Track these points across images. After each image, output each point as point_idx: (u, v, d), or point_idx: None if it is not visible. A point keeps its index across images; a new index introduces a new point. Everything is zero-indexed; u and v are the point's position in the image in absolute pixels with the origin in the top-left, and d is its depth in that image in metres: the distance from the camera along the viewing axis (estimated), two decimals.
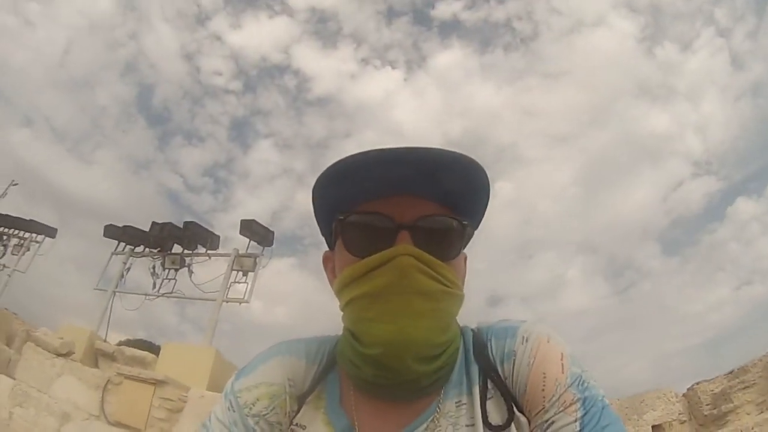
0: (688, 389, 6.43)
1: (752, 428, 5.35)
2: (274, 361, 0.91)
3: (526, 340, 0.82)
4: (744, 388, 5.84)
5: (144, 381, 7.79)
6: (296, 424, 0.87)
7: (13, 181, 17.27)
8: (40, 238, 15.29)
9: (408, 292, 0.75)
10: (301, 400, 0.88)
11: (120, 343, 12.16)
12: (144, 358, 9.20)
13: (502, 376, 0.82)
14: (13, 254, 14.99)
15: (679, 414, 6.11)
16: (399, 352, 0.75)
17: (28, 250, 15.13)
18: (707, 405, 6.04)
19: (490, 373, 0.83)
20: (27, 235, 15.27)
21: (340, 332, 0.91)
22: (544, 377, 0.78)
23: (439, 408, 0.81)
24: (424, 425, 0.80)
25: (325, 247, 0.96)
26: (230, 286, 11.12)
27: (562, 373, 0.78)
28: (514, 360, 0.81)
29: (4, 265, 14.79)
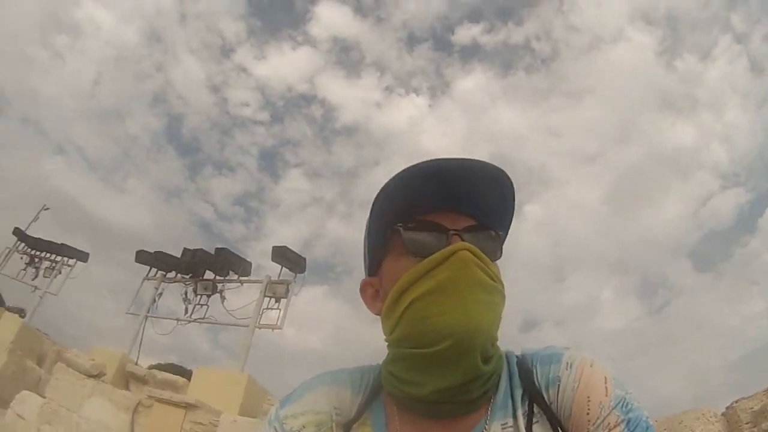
0: (727, 408, 6.21)
1: None
2: (320, 390, 0.93)
3: (571, 366, 0.84)
4: None
5: (175, 404, 7.73)
6: None
7: (44, 205, 17.40)
8: (72, 261, 15.39)
9: (471, 284, 0.79)
10: (346, 428, 0.89)
11: (151, 367, 12.10)
12: (175, 381, 9.12)
13: (547, 400, 0.84)
14: (45, 277, 15.05)
15: None
16: (470, 340, 0.78)
17: (60, 273, 15.22)
18: (747, 423, 5.80)
19: (536, 397, 0.84)
20: (59, 258, 15.40)
21: (380, 361, 0.95)
22: (589, 401, 0.80)
23: (486, 428, 0.82)
24: None
25: (359, 276, 0.99)
26: (263, 312, 11.07)
27: (606, 396, 0.79)
28: (559, 385, 0.83)
29: (36, 287, 14.84)
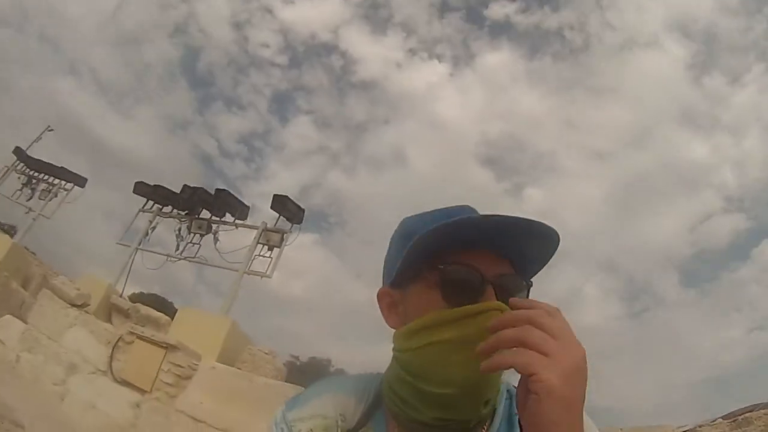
0: (689, 430, 6.34)
1: None
2: (327, 396, 0.96)
3: None
4: None
5: (156, 344, 7.70)
6: None
7: (48, 126, 17.14)
8: (69, 186, 15.19)
9: None
10: None
11: (134, 296, 12.10)
12: (158, 319, 9.09)
13: None
14: (41, 199, 14.88)
15: None
16: (476, 392, 0.82)
17: (56, 196, 15.04)
18: None
19: None
20: (56, 181, 15.20)
21: (379, 370, 0.98)
22: None
23: None
24: None
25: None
26: (254, 258, 10.96)
27: None
28: None
29: (30, 209, 14.68)
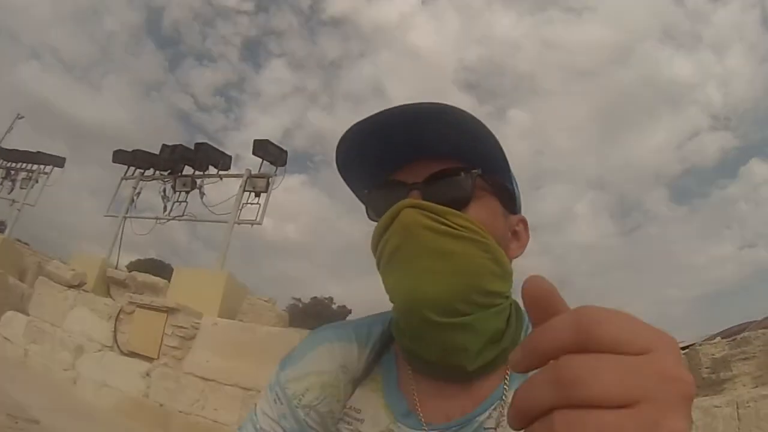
0: (689, 348, 6.35)
1: (747, 402, 5.15)
2: (323, 349, 0.87)
3: None
4: (744, 359, 5.77)
5: (156, 309, 7.69)
6: (350, 407, 0.82)
7: (18, 114, 16.93)
8: (48, 169, 14.92)
9: (415, 251, 0.73)
10: (355, 384, 0.84)
11: (131, 264, 12.10)
12: (156, 284, 9.02)
13: None
14: (22, 188, 14.70)
15: None
16: (418, 311, 0.72)
17: (37, 182, 14.80)
18: (707, 368, 5.93)
19: None
20: (35, 167, 14.94)
21: (382, 305, 0.90)
22: None
23: (504, 395, 0.75)
24: (487, 413, 0.75)
25: None
26: (242, 207, 10.82)
27: None
28: None
29: (13, 200, 14.57)
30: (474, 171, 0.80)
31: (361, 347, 0.88)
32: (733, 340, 6.02)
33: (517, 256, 0.84)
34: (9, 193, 14.71)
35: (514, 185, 0.87)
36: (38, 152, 14.98)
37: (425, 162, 0.80)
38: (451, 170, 0.79)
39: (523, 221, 0.88)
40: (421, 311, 0.72)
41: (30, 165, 14.98)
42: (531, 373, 0.61)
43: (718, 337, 6.38)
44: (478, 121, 0.77)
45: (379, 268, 0.79)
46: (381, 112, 0.76)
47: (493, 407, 0.76)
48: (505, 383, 0.77)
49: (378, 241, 0.77)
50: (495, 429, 0.74)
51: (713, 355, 5.91)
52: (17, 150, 15.16)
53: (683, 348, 6.36)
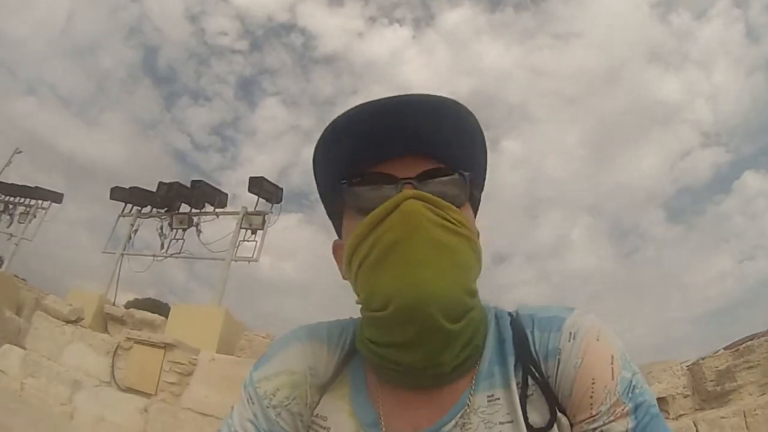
0: (693, 363, 6.48)
1: (754, 410, 5.29)
2: (294, 348, 0.86)
3: (573, 337, 0.76)
4: (748, 368, 5.88)
5: (153, 345, 7.70)
6: (317, 416, 0.82)
7: (17, 149, 17.11)
8: (46, 204, 15.13)
9: (419, 241, 0.69)
10: (322, 390, 0.83)
11: (129, 303, 12.15)
12: (153, 320, 9.11)
13: (545, 373, 0.75)
14: (20, 222, 14.84)
15: (683, 388, 6.14)
16: (416, 306, 0.68)
17: (35, 217, 14.97)
18: (711, 381, 6.07)
19: (531, 369, 0.76)
20: (33, 202, 15.12)
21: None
22: (593, 383, 0.72)
23: (469, 402, 0.75)
24: (453, 421, 0.74)
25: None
26: (239, 244, 11.00)
27: (612, 379, 0.72)
28: (559, 359, 0.75)
29: (11, 235, 14.66)
30: (467, 173, 0.79)
31: (331, 350, 0.86)
32: (737, 350, 6.12)
33: None
34: (7, 227, 14.85)
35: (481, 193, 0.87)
36: (36, 187, 15.18)
37: (413, 158, 0.77)
38: (444, 169, 0.78)
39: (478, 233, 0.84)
40: (427, 309, 0.68)
41: (28, 200, 15.15)
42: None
43: (722, 350, 6.48)
44: (474, 120, 0.79)
45: (359, 267, 0.75)
46: (378, 101, 0.73)
47: (459, 414, 0.75)
48: (470, 389, 0.76)
49: (367, 234, 0.73)
50: None
51: (717, 367, 6.02)
52: (16, 184, 15.31)
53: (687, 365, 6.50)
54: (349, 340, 0.87)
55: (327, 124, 0.76)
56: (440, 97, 0.74)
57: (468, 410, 0.75)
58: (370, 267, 0.72)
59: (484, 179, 0.87)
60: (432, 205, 0.72)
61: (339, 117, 0.75)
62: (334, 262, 0.89)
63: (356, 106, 0.74)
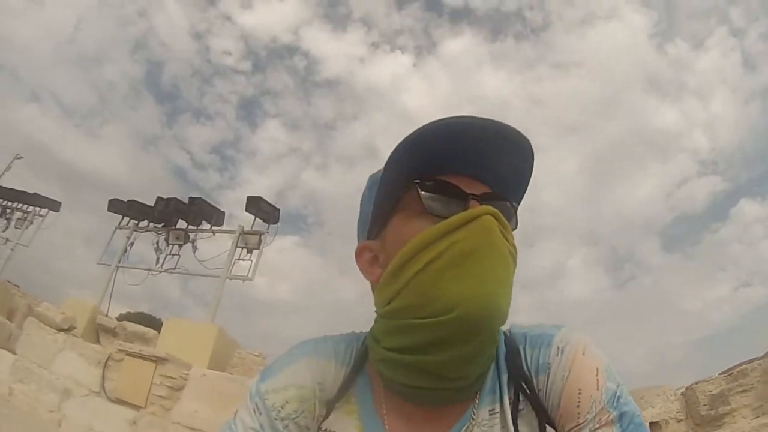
0: (686, 388, 6.52)
1: None
2: (303, 363, 0.87)
3: (561, 352, 0.80)
4: (742, 392, 5.94)
5: (145, 358, 7.73)
6: (325, 430, 0.83)
7: (17, 154, 17.18)
8: (43, 211, 15.13)
9: (493, 253, 0.73)
10: (330, 405, 0.84)
11: (121, 316, 12.15)
12: (145, 333, 9.14)
13: (535, 387, 0.80)
14: (17, 228, 14.85)
15: (677, 412, 6.23)
16: (482, 316, 0.71)
17: (32, 223, 14.99)
18: (704, 405, 6.15)
19: (522, 384, 0.80)
20: (30, 208, 15.12)
21: (362, 329, 0.91)
22: (579, 393, 0.76)
23: (473, 416, 0.78)
24: None
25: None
26: (234, 263, 11.02)
27: (597, 389, 0.75)
28: (549, 373, 0.79)
29: (7, 239, 14.67)
30: (515, 204, 0.85)
31: (338, 366, 0.87)
32: (730, 374, 6.15)
33: None
34: (2, 231, 14.80)
35: None
36: (35, 194, 15.18)
37: (472, 178, 0.81)
38: (501, 196, 0.82)
39: None
40: (491, 322, 0.73)
41: (26, 206, 15.11)
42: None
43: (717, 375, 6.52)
44: (533, 157, 0.82)
45: (423, 269, 0.74)
46: (474, 120, 0.75)
47: (464, 428, 0.78)
48: (474, 404, 0.79)
49: (440, 237, 0.74)
50: None
51: (710, 391, 6.09)
52: (14, 189, 15.27)
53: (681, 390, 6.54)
54: (355, 355, 0.88)
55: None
56: (513, 128, 0.77)
57: (472, 423, 0.78)
58: (439, 270, 0.72)
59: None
60: (502, 225, 0.75)
61: (431, 123, 0.76)
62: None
63: (447, 118, 0.75)
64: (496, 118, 0.76)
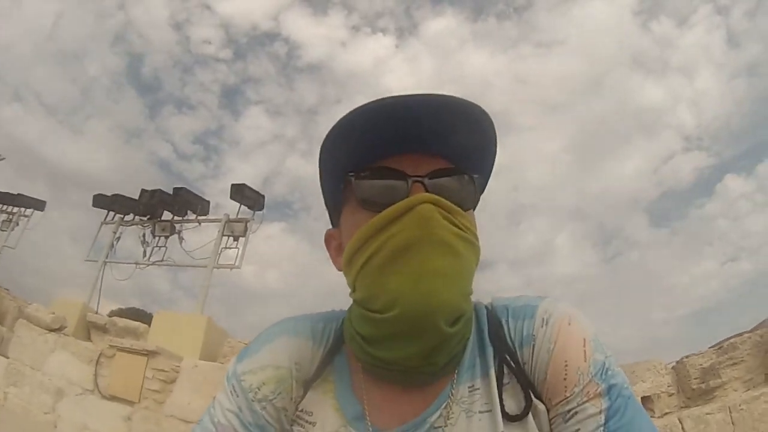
0: (677, 362, 6.56)
1: (739, 405, 5.39)
2: (280, 342, 0.85)
3: (546, 323, 0.77)
4: (732, 365, 5.97)
5: (136, 352, 7.73)
6: (302, 410, 0.82)
7: (0, 155, 16.92)
8: (28, 212, 15.00)
9: (431, 247, 0.69)
10: (307, 385, 0.83)
11: (112, 313, 12.11)
12: (136, 328, 9.11)
13: (520, 360, 0.77)
14: (2, 230, 14.72)
15: (668, 386, 6.22)
16: (423, 314, 0.69)
17: (17, 225, 14.86)
18: (695, 379, 6.15)
19: (507, 357, 0.78)
20: (15, 209, 14.99)
21: (346, 309, 0.88)
22: (566, 365, 0.73)
23: (452, 393, 0.77)
24: (438, 413, 0.75)
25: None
26: (221, 251, 10.96)
27: (585, 361, 0.73)
28: (533, 345, 0.77)
29: None
30: (476, 176, 0.80)
31: (315, 345, 0.86)
32: (720, 347, 6.19)
33: None
34: None
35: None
36: (19, 194, 14.99)
37: (424, 155, 0.77)
38: (454, 170, 0.78)
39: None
40: (434, 318, 0.69)
41: (10, 207, 14.97)
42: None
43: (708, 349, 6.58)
44: (489, 123, 0.77)
45: (363, 265, 0.74)
46: (393, 97, 0.71)
47: (443, 405, 0.76)
48: (453, 381, 0.77)
49: (375, 233, 0.72)
50: (443, 428, 0.75)
51: (701, 365, 6.11)
52: None
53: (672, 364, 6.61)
54: (333, 334, 0.87)
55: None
56: (456, 97, 0.72)
57: (451, 401, 0.76)
58: (376, 267, 0.72)
59: (487, 181, 0.86)
60: (444, 210, 0.71)
61: (353, 110, 0.73)
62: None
63: (371, 101, 0.72)
64: (466, 97, 0.73)
